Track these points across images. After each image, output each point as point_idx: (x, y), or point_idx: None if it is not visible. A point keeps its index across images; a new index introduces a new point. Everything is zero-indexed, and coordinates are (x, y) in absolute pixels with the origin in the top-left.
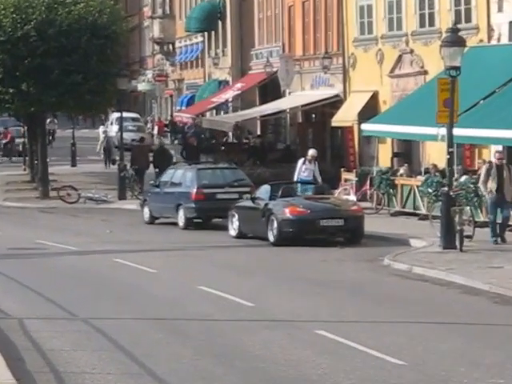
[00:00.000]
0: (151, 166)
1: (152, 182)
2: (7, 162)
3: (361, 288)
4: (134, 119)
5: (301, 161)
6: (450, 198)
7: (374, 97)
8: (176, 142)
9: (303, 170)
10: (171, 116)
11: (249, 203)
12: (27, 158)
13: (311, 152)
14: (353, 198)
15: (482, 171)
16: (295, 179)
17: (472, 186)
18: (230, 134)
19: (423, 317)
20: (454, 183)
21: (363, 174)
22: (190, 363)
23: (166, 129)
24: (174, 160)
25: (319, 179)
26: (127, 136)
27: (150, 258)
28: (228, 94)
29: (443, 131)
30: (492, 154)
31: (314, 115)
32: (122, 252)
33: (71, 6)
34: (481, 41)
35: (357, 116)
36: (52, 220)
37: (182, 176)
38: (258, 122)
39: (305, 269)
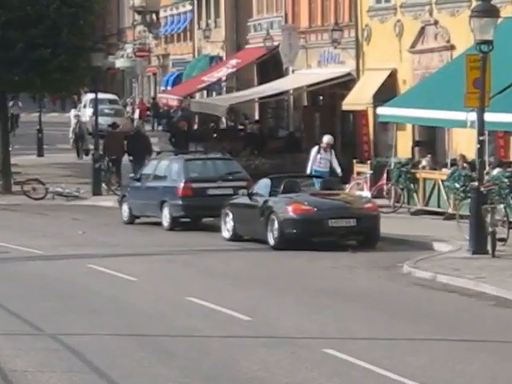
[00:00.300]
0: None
1: (132, 174)
2: None
3: (376, 300)
4: (111, 101)
5: (315, 149)
6: (480, 195)
7: (392, 76)
8: (160, 127)
9: (318, 160)
10: (153, 98)
11: (245, 200)
12: None
13: (327, 139)
14: (367, 194)
15: None
16: (308, 171)
17: (506, 180)
18: (224, 118)
19: (449, 333)
20: (486, 177)
21: (379, 167)
22: None
23: (148, 113)
24: (157, 149)
25: (338, 170)
26: (103, 121)
27: (129, 263)
28: (221, 72)
29: (473, 116)
30: None
31: (321, 97)
32: (96, 257)
33: None
34: None
35: (372, 98)
36: (15, 219)
37: (167, 168)
38: (257, 105)
39: (310, 277)
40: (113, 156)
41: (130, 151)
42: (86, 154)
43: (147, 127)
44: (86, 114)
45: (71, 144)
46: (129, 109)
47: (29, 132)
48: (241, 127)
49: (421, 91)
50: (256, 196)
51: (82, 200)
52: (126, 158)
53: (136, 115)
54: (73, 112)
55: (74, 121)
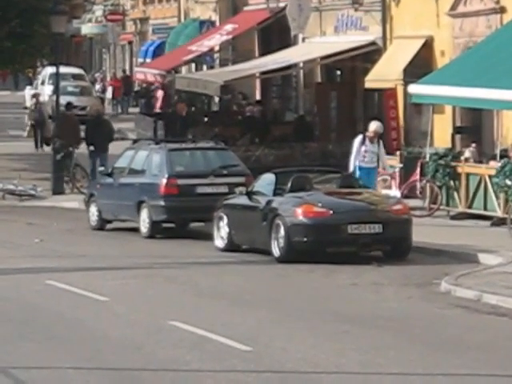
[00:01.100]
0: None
1: (102, 168)
2: None
3: (407, 325)
4: (75, 76)
5: (358, 140)
6: None
7: (428, 45)
8: (138, 110)
9: (362, 153)
10: (124, 72)
11: (244, 200)
12: None
13: (374, 127)
14: (396, 193)
15: None
16: (351, 167)
17: None
18: (217, 98)
19: (498, 367)
20: None
21: (411, 159)
22: None
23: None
24: (134, 136)
25: (386, 165)
26: (66, 101)
27: (98, 279)
28: (213, 41)
29: None
30: None
31: (339, 72)
32: (57, 271)
33: None
34: None
35: (402, 73)
36: None
37: (146, 160)
38: (258, 82)
39: (325, 297)
40: (64, 143)
41: (89, 139)
42: (47, 144)
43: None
44: (45, 92)
45: (27, 131)
46: (98, 86)
47: None
48: (236, 109)
49: (463, 65)
50: (257, 195)
51: (40, 200)
52: (83, 147)
53: (108, 94)
54: (28, 90)
55: (30, 102)
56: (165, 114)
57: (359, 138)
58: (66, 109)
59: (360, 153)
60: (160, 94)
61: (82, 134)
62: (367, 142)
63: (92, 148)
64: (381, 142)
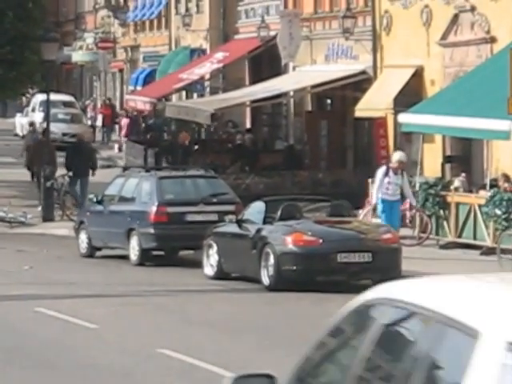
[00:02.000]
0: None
1: (92, 195)
2: None
3: None
4: (66, 104)
5: (382, 171)
6: None
7: (418, 75)
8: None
9: (386, 184)
10: (109, 100)
11: (233, 228)
12: None
13: (398, 156)
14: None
15: None
16: (374, 200)
17: None
18: (206, 126)
19: None
20: None
21: (401, 188)
22: None
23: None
24: (123, 164)
25: (413, 200)
26: (57, 128)
27: (87, 307)
28: (204, 69)
29: None
30: None
31: (329, 101)
32: (46, 298)
33: None
34: None
35: (392, 102)
36: None
37: (137, 188)
38: (248, 111)
39: (314, 325)
40: (37, 170)
41: (69, 165)
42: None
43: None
44: (36, 119)
45: (25, 162)
46: (90, 114)
47: None
48: (225, 137)
49: (453, 94)
50: (247, 223)
51: (30, 227)
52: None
53: (99, 122)
54: (18, 117)
55: (23, 131)
56: (165, 143)
57: (383, 169)
58: (43, 135)
59: (383, 185)
60: (125, 122)
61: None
62: (391, 173)
63: (70, 174)
64: (405, 174)
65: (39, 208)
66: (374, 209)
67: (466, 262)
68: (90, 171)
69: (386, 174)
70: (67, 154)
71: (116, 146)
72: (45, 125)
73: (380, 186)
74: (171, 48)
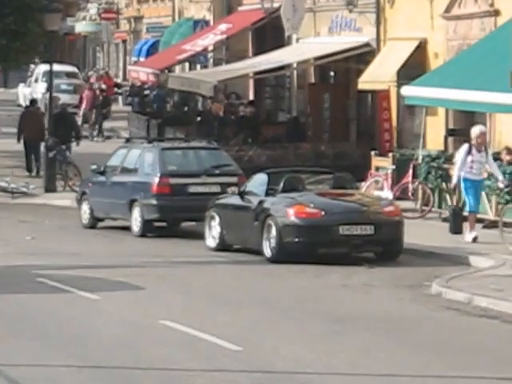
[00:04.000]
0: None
1: (95, 166)
2: None
3: (397, 327)
4: (69, 75)
5: (464, 149)
6: None
7: (422, 47)
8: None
9: (469, 163)
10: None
11: (236, 200)
12: None
13: (478, 131)
14: (388, 194)
15: None
16: (455, 180)
17: None
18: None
19: (488, 370)
20: None
21: (403, 161)
22: None
23: (116, 89)
24: (126, 135)
25: (500, 177)
26: (31, 98)
27: (89, 278)
28: (207, 40)
29: None
30: None
31: (332, 73)
32: (48, 269)
33: None
34: None
35: (395, 75)
36: None
37: (139, 159)
38: (251, 82)
39: (316, 298)
40: (30, 139)
41: (51, 134)
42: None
43: (114, 107)
44: (38, 90)
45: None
46: (95, 84)
47: None
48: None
49: (457, 67)
50: (249, 195)
51: (32, 197)
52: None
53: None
54: (21, 87)
55: (25, 101)
56: (200, 114)
57: (465, 147)
58: (31, 105)
59: (466, 163)
60: (86, 94)
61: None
62: (474, 151)
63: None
64: (489, 151)
65: (26, 174)
66: (454, 189)
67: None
68: (74, 140)
69: (469, 152)
70: (52, 124)
71: (79, 119)
72: (48, 96)
73: (462, 165)
74: (174, 19)
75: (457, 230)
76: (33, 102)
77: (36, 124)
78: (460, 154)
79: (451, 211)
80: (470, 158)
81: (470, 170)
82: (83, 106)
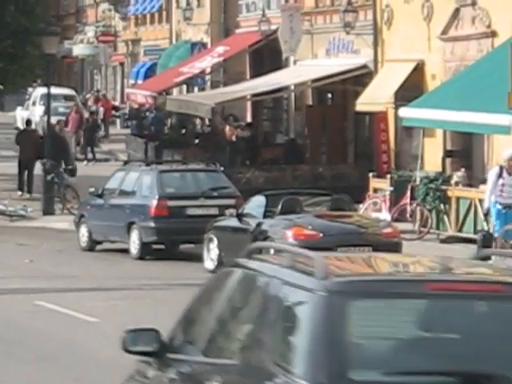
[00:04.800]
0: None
1: (93, 189)
2: None
3: None
4: (67, 97)
5: (494, 172)
6: None
7: (419, 69)
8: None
9: (499, 186)
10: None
11: (234, 222)
12: None
13: (510, 153)
14: (386, 216)
15: None
16: (487, 203)
17: None
18: (207, 120)
19: None
20: None
21: (401, 182)
22: None
23: (114, 112)
24: (124, 158)
25: None
26: (26, 119)
27: (88, 300)
28: (205, 63)
29: None
30: None
31: (330, 95)
32: (46, 292)
33: None
34: None
35: (393, 96)
36: None
37: (137, 181)
38: (249, 104)
39: None
40: (25, 159)
41: (42, 155)
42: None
43: (112, 130)
44: (36, 113)
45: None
46: (92, 107)
47: None
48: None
49: (454, 88)
50: (247, 217)
51: (30, 220)
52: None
53: (99, 115)
54: (19, 111)
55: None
56: (211, 139)
57: (495, 169)
58: (26, 125)
59: (497, 186)
60: (73, 116)
61: None
62: (505, 174)
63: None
64: None
65: (18, 193)
66: (486, 213)
67: (467, 257)
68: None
69: (500, 175)
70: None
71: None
72: (45, 119)
73: (493, 189)
74: (172, 42)
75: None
76: (28, 122)
77: (31, 144)
78: (491, 177)
79: (481, 236)
80: (500, 181)
81: (500, 193)
82: (69, 128)
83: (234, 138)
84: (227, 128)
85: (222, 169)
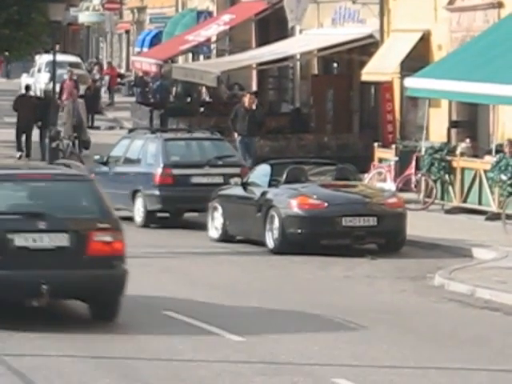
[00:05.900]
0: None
1: (98, 157)
2: None
3: (400, 319)
4: (72, 65)
5: None
6: None
7: (425, 39)
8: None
9: None
10: (110, 62)
11: (239, 191)
12: None
13: None
14: (391, 186)
15: None
16: None
17: None
18: (204, 88)
19: (490, 362)
20: None
21: (406, 152)
22: None
23: (119, 80)
24: (130, 125)
25: None
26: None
27: None
28: (210, 31)
29: None
30: None
31: (335, 64)
32: None
33: None
34: None
35: (399, 66)
36: None
37: (142, 149)
38: (254, 73)
39: (318, 289)
40: (22, 124)
41: (38, 119)
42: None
43: (118, 98)
44: (41, 80)
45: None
46: (96, 75)
47: None
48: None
49: (460, 59)
50: (252, 186)
51: None
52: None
53: (105, 83)
54: (24, 77)
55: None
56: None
57: None
58: (26, 91)
59: None
60: (67, 84)
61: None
62: None
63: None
64: None
65: (18, 154)
66: None
67: (471, 227)
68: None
69: None
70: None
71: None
72: (51, 85)
73: None
74: (178, 10)
75: None
76: (27, 88)
77: (29, 110)
78: None
79: None
80: None
81: None
82: (64, 96)
83: (254, 106)
84: (247, 96)
85: (239, 138)
